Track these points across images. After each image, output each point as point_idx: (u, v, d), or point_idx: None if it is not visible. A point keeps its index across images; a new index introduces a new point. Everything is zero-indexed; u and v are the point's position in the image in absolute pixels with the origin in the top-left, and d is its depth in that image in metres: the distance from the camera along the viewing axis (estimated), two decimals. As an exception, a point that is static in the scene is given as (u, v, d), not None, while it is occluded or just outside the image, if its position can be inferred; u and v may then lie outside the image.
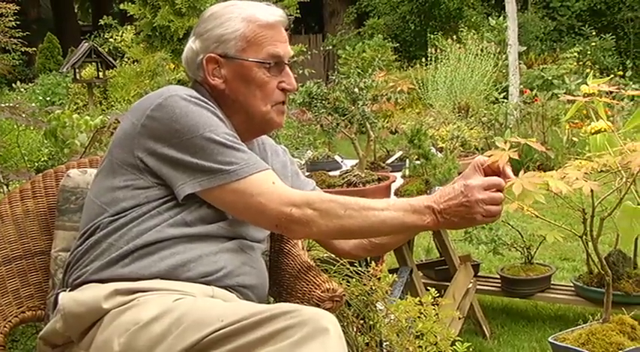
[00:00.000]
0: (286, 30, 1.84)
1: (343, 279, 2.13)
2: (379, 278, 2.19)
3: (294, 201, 1.60)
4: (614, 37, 15.08)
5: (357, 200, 1.65)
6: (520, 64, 10.65)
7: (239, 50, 1.76)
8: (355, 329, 2.05)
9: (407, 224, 1.62)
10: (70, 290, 1.66)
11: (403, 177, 3.41)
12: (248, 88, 1.77)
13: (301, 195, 1.65)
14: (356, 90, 3.16)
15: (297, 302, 1.72)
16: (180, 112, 1.63)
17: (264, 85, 1.77)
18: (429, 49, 10.93)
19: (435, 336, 2.08)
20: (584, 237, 1.75)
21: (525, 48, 12.63)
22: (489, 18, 13.88)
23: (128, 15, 11.94)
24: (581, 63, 12.00)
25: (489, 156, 1.68)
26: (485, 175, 1.67)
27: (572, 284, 3.54)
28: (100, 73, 11.31)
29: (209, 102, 1.70)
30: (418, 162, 3.33)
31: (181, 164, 1.62)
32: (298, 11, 11.82)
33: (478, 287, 3.63)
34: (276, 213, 1.60)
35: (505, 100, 9.77)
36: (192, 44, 1.81)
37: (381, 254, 2.78)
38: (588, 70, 10.61)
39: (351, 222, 1.61)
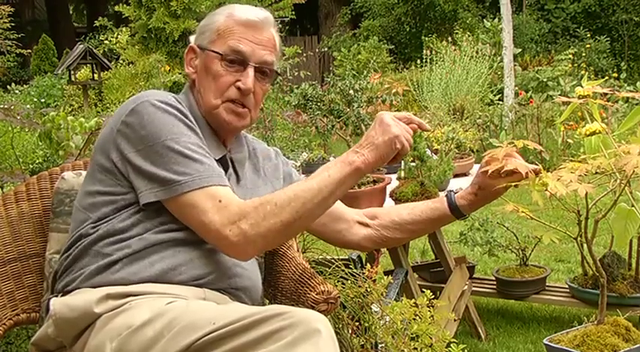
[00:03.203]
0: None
1: (338, 281, 2.13)
2: (374, 280, 2.19)
3: (232, 218, 1.57)
4: (608, 39, 15.12)
5: (288, 188, 1.65)
6: (515, 65, 10.67)
7: (210, 41, 1.78)
8: (350, 331, 2.05)
9: (335, 178, 1.61)
10: (61, 296, 1.65)
11: (398, 179, 3.41)
12: (206, 79, 1.77)
13: (237, 208, 1.59)
14: (351, 92, 3.17)
15: (292, 305, 1.72)
16: (147, 119, 1.64)
17: (217, 77, 1.76)
18: (424, 51, 10.95)
19: (430, 338, 2.08)
20: (578, 238, 1.75)
21: (520, 50, 12.67)
22: (484, 20, 13.91)
23: (123, 17, 11.96)
24: (575, 65, 12.04)
25: (488, 158, 1.72)
26: (491, 179, 1.76)
27: (567, 286, 3.54)
28: (95, 75, 11.30)
29: (180, 109, 1.69)
30: (413, 164, 3.33)
31: (142, 172, 1.62)
32: (293, 13, 11.84)
33: (473, 288, 3.63)
34: (217, 234, 1.57)
35: (500, 102, 9.80)
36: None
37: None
38: (583, 72, 10.64)
39: (287, 212, 1.57)
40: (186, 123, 1.68)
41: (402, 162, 3.48)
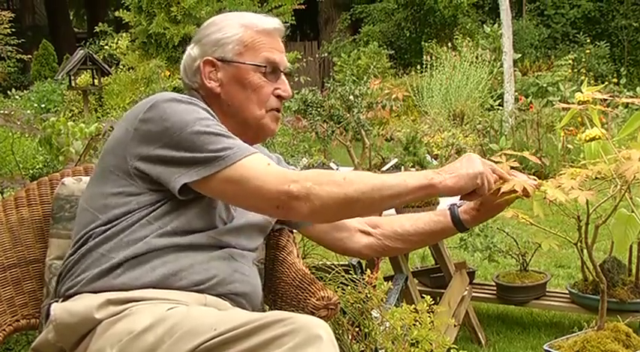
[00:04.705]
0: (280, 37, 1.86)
1: (338, 287, 2.13)
2: (374, 286, 2.20)
3: (291, 177, 1.57)
4: (608, 44, 15.15)
5: (357, 172, 1.67)
6: (515, 71, 10.67)
7: (236, 54, 1.78)
8: (350, 337, 2.05)
9: (410, 185, 1.61)
10: (62, 301, 1.65)
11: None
12: (244, 92, 1.78)
13: (298, 172, 1.65)
14: (351, 97, 3.18)
15: (293, 310, 1.72)
16: (170, 111, 1.63)
17: (259, 89, 1.78)
18: (424, 57, 10.96)
19: (430, 344, 2.08)
20: (579, 244, 1.75)
21: (520, 55, 12.68)
22: (484, 25, 13.94)
23: (123, 22, 11.98)
24: (575, 70, 12.06)
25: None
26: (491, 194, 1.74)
27: (567, 292, 3.54)
28: (96, 80, 11.31)
29: (200, 103, 1.70)
30: (413, 169, 3.34)
31: (176, 161, 1.61)
32: (293, 18, 11.86)
33: (473, 294, 3.63)
34: (275, 192, 1.56)
35: (500, 107, 9.80)
36: (190, 51, 1.83)
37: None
38: (583, 78, 10.66)
39: (352, 188, 1.56)
40: (210, 112, 1.69)
41: (402, 167, 3.49)
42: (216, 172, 1.58)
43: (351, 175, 1.61)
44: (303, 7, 12.20)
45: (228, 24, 1.80)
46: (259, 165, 1.60)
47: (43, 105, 11.69)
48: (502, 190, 1.67)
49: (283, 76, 1.82)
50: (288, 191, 1.55)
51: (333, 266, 2.22)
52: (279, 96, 1.81)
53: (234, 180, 1.58)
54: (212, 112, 1.70)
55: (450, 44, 11.81)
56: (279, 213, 1.65)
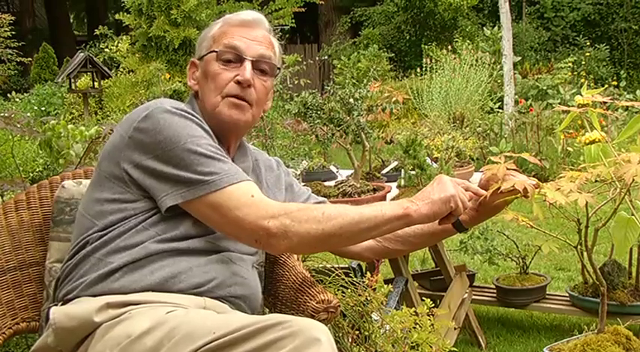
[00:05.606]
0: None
1: (338, 290, 2.13)
2: (374, 289, 2.19)
3: (271, 212, 1.58)
4: (608, 47, 15.17)
5: (339, 205, 1.67)
6: (515, 74, 10.68)
7: (208, 49, 1.81)
8: (350, 340, 2.04)
9: (387, 215, 1.62)
10: (61, 305, 1.65)
11: (398, 187, 3.41)
12: (206, 83, 1.79)
13: (279, 206, 1.63)
14: (351, 100, 3.17)
15: (293, 313, 1.72)
16: (164, 124, 1.64)
17: (216, 76, 1.77)
18: (424, 59, 10.96)
19: (431, 347, 2.08)
20: (579, 247, 1.75)
21: (520, 58, 12.69)
22: (484, 28, 13.95)
23: (123, 25, 11.99)
24: (575, 73, 12.06)
25: (487, 178, 1.73)
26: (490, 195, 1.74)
27: (567, 294, 3.54)
28: (96, 83, 11.31)
29: (195, 114, 1.71)
30: (413, 172, 3.34)
31: (163, 176, 1.62)
32: (293, 21, 11.87)
33: (473, 297, 3.63)
34: (254, 226, 1.57)
35: (500, 110, 9.80)
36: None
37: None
38: (583, 80, 10.66)
39: (330, 224, 1.58)
40: (203, 127, 1.69)
41: (402, 170, 3.49)
42: (199, 196, 1.60)
43: (330, 210, 1.62)
44: (304, 10, 12.21)
45: (212, 24, 1.86)
46: (243, 196, 1.60)
47: (43, 108, 11.69)
48: (502, 189, 1.67)
49: (248, 63, 1.78)
50: (267, 227, 1.57)
51: (333, 269, 2.22)
52: (238, 83, 1.77)
53: (216, 206, 1.60)
54: (205, 125, 1.71)
55: (449, 47, 11.81)
56: (258, 247, 1.67)
